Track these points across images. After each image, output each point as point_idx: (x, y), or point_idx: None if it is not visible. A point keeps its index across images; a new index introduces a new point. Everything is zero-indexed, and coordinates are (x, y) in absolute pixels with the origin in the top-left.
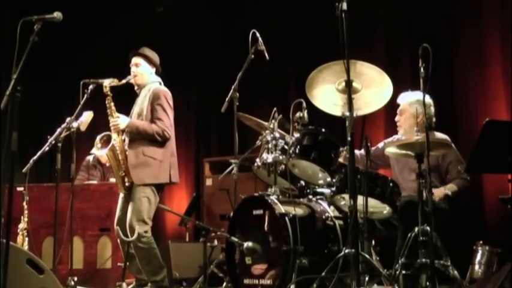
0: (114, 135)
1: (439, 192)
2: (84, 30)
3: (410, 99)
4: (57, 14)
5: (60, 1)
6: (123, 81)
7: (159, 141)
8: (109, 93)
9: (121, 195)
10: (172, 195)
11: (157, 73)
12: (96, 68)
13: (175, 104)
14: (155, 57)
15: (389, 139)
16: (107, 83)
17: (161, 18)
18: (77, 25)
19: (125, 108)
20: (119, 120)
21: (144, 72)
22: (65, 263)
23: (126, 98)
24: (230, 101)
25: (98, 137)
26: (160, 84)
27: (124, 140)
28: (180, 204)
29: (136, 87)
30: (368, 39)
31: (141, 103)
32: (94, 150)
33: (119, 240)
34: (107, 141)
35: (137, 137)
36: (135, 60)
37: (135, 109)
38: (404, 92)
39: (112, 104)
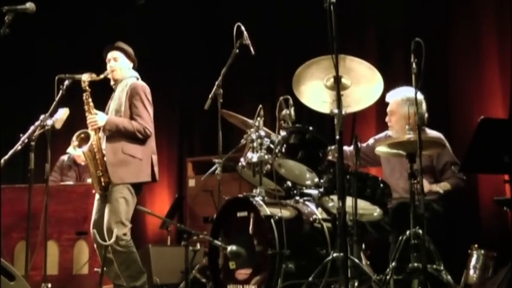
0: (91, 133)
1: (431, 187)
2: (61, 24)
3: (399, 99)
4: (29, 5)
5: None
6: (101, 76)
7: (140, 138)
8: (87, 88)
9: (97, 196)
10: (154, 197)
11: (134, 67)
12: (73, 64)
13: (158, 101)
14: (131, 51)
15: (380, 135)
16: (85, 77)
17: (142, 12)
18: (54, 18)
19: (100, 103)
20: (97, 117)
21: (122, 67)
22: (39, 268)
23: (101, 93)
24: (214, 98)
25: (75, 135)
26: (137, 79)
27: (101, 138)
28: (162, 206)
29: (112, 82)
30: (359, 33)
31: (119, 98)
32: (70, 149)
33: (95, 245)
34: (84, 139)
35: (116, 134)
36: (113, 54)
37: (112, 105)
38: (398, 87)
39: (90, 99)
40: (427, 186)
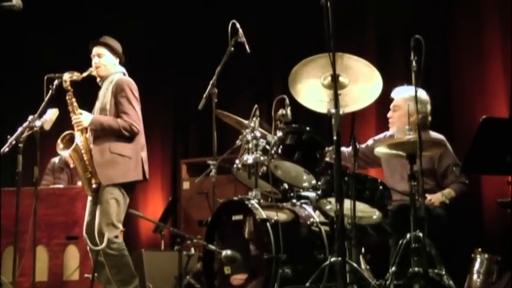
0: (77, 134)
1: (436, 199)
2: (51, 22)
3: (406, 95)
4: (16, 2)
5: None
6: (85, 74)
7: (127, 136)
8: (70, 88)
9: (89, 198)
10: (147, 200)
11: (120, 63)
12: (63, 63)
13: (151, 101)
14: (118, 46)
15: (380, 136)
16: (67, 77)
17: (135, 10)
18: (43, 16)
19: (89, 102)
20: (82, 117)
21: (108, 63)
22: (28, 275)
23: (89, 91)
24: (208, 98)
25: (60, 137)
26: (124, 74)
27: (88, 139)
28: (155, 210)
29: (98, 79)
30: (358, 30)
31: (104, 96)
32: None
33: (88, 248)
34: (70, 140)
35: (102, 133)
36: (97, 50)
37: (98, 103)
38: (399, 86)
39: (74, 100)
40: (438, 198)
